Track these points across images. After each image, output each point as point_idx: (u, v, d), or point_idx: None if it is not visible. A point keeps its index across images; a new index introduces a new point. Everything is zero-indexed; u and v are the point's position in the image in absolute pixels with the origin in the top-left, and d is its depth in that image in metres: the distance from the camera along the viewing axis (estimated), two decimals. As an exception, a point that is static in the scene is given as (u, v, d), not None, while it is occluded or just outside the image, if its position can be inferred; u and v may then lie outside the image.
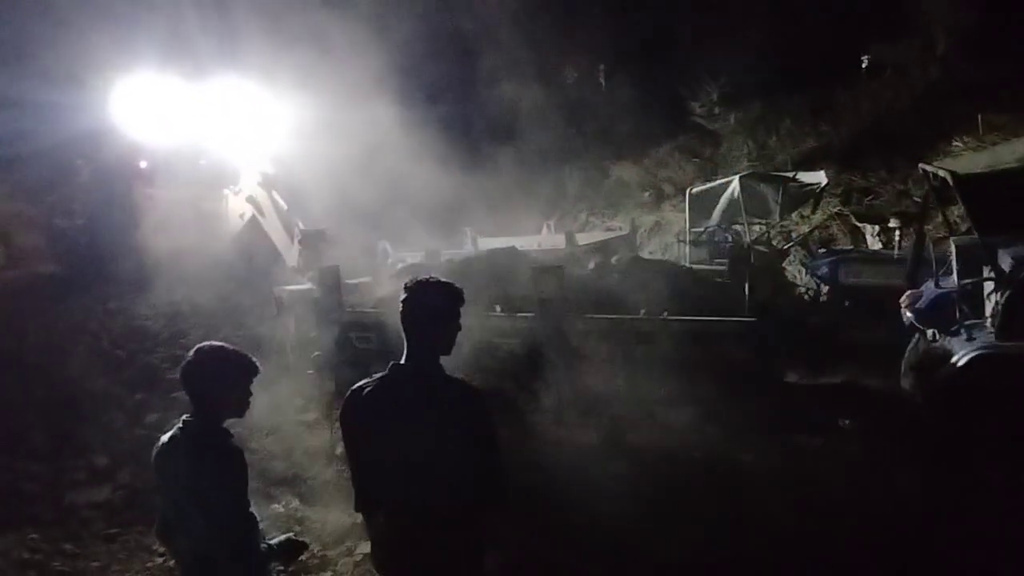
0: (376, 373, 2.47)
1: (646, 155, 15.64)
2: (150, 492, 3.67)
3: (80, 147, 11.55)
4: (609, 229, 12.41)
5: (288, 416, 6.57)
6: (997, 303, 4.97)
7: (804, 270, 9.24)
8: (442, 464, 2.32)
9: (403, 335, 2.43)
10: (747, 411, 5.00)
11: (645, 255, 9.85)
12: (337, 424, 2.60)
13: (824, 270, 7.85)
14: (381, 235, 9.04)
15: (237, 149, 7.98)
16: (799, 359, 6.33)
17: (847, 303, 7.38)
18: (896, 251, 8.16)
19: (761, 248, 8.07)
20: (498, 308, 6.05)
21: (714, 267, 7.69)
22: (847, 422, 5.57)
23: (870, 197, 11.72)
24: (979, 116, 11.14)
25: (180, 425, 2.55)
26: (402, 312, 2.43)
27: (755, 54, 12.68)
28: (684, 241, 9.65)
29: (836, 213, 11.63)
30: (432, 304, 2.42)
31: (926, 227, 7.00)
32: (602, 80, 16.48)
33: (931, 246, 6.28)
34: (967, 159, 7.49)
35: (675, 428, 5.29)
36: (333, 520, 5.03)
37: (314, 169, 8.06)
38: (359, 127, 8.20)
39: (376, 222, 9.05)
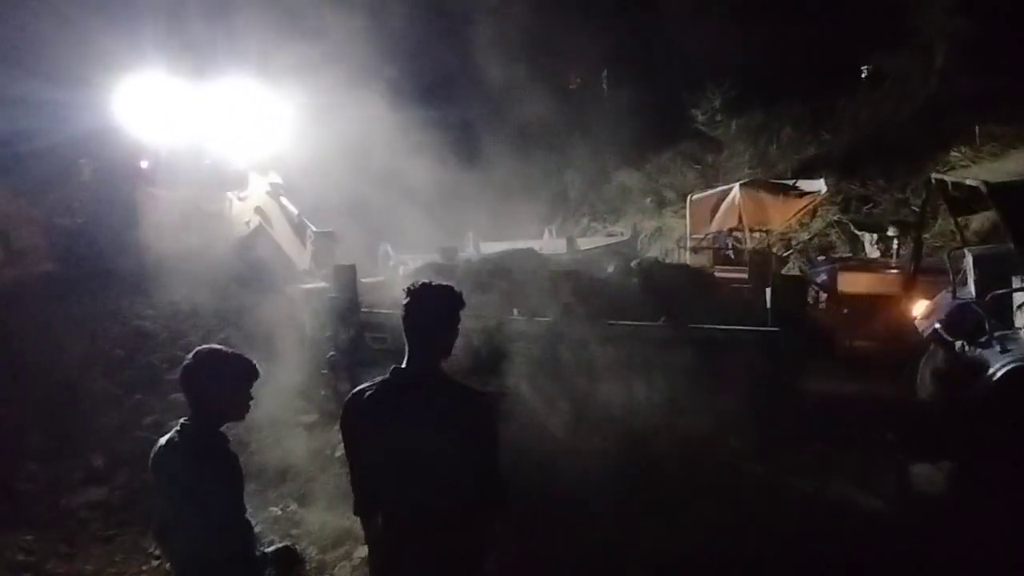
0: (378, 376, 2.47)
1: (648, 161, 15.70)
2: (147, 494, 3.65)
3: (83, 146, 11.56)
4: (610, 234, 12.44)
5: (288, 416, 6.53)
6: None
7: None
8: (442, 467, 2.32)
9: (404, 338, 2.45)
10: (768, 420, 4.91)
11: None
12: (338, 427, 2.60)
13: (823, 277, 7.88)
14: (382, 238, 9.04)
15: (240, 150, 7.98)
16: (817, 368, 6.26)
17: (845, 311, 7.41)
18: (894, 259, 8.20)
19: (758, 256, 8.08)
20: (516, 312, 5.94)
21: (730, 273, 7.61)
22: (891, 435, 5.42)
23: (869, 205, 11.77)
24: (977, 127, 11.20)
25: (178, 428, 2.55)
26: (403, 315, 2.45)
27: (757, 63, 12.75)
28: (685, 247, 9.68)
29: (835, 221, 11.67)
30: (433, 307, 2.45)
31: (923, 236, 7.01)
32: (605, 86, 16.56)
33: (946, 256, 6.21)
34: (975, 171, 7.46)
35: (693, 435, 5.22)
36: (331, 524, 5.00)
37: (316, 171, 8.07)
38: (359, 129, 8.22)
39: (377, 225, 9.06)
